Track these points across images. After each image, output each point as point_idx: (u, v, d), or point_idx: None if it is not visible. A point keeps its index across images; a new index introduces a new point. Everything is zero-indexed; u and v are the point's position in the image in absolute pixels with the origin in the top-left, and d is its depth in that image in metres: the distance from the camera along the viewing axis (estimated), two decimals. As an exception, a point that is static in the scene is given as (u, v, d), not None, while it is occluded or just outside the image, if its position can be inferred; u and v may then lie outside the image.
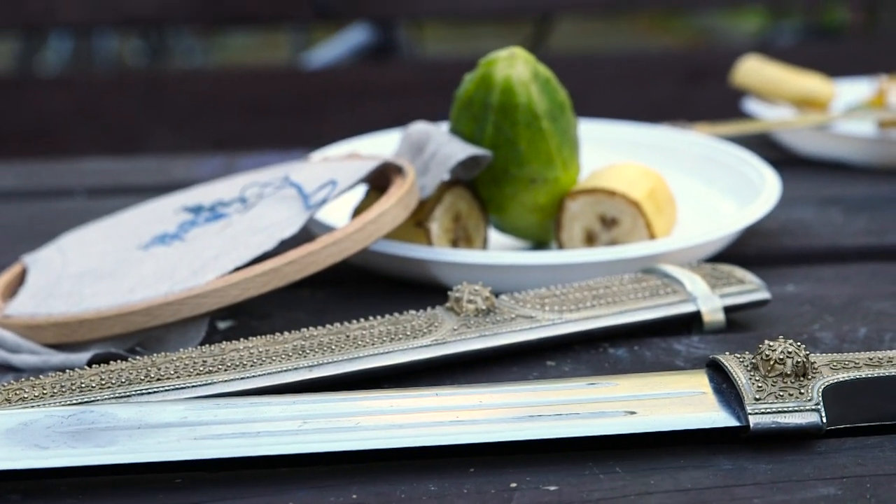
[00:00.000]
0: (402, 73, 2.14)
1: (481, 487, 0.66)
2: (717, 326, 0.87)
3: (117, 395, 0.73)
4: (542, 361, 0.82)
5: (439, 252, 0.94)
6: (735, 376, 0.71)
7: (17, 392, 0.72)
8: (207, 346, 0.79)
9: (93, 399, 0.72)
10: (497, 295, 0.86)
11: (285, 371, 0.76)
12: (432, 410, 0.70)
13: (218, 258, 0.87)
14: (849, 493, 0.65)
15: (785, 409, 0.70)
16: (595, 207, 0.99)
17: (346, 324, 0.81)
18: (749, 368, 0.72)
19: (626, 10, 2.28)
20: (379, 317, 0.82)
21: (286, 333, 0.80)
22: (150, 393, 0.73)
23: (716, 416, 0.70)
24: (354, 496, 0.65)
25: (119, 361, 0.77)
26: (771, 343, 0.72)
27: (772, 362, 0.71)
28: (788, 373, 0.71)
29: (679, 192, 1.08)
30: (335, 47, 3.21)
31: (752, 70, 1.42)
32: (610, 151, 1.18)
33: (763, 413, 0.69)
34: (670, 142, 1.22)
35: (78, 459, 0.65)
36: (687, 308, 0.86)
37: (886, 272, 1.00)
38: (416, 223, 0.97)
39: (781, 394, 0.70)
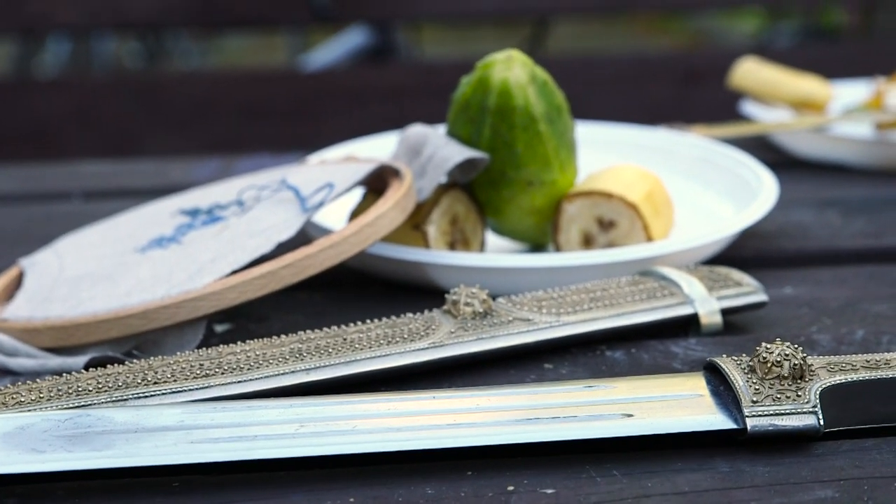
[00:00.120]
0: (399, 75, 2.14)
1: (478, 491, 0.66)
2: (714, 329, 0.87)
3: (114, 398, 0.73)
4: (539, 364, 0.82)
5: (436, 255, 0.94)
6: (732, 379, 0.71)
7: (14, 396, 0.72)
8: (204, 349, 0.79)
9: (90, 403, 0.72)
10: (494, 298, 0.86)
11: (282, 374, 0.76)
12: (429, 414, 0.70)
13: (215, 261, 0.87)
14: (846, 496, 0.65)
15: (782, 412, 0.69)
16: (592, 210, 0.99)
17: (343, 327, 0.81)
18: (746, 371, 0.72)
19: (623, 11, 2.27)
20: (376, 320, 0.82)
21: (283, 337, 0.80)
22: (147, 396, 0.73)
23: (713, 419, 0.70)
24: (351, 500, 0.65)
25: (116, 365, 0.77)
26: (768, 345, 0.72)
27: (769, 365, 0.71)
28: (786, 375, 0.71)
29: (676, 194, 1.08)
30: (333, 49, 3.21)
31: (750, 72, 1.42)
32: (607, 153, 1.18)
33: (760, 416, 0.69)
34: (667, 144, 1.22)
35: (75, 463, 0.65)
36: (684, 310, 0.86)
37: (884, 274, 1.00)
38: (414, 226, 0.97)
39: (779, 396, 0.70)
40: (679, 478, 0.67)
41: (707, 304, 0.87)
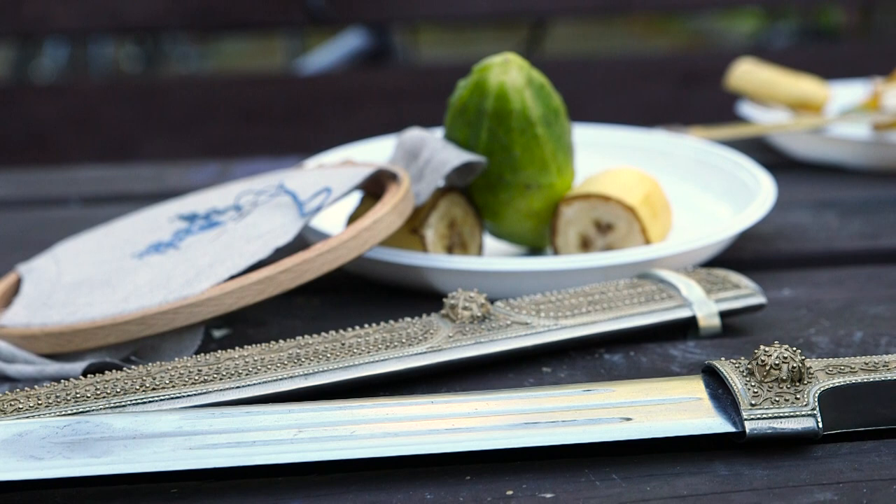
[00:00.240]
0: (396, 78, 2.14)
1: (478, 495, 0.66)
2: (712, 331, 0.87)
3: (112, 404, 0.73)
4: (537, 368, 0.82)
5: (434, 259, 0.94)
6: (731, 382, 0.71)
7: (13, 402, 0.72)
8: (203, 354, 0.79)
9: (88, 409, 0.72)
10: (492, 301, 0.85)
11: (281, 380, 0.76)
12: (428, 418, 0.70)
13: (213, 266, 0.87)
14: (845, 499, 0.65)
15: (781, 415, 0.69)
16: (590, 213, 0.99)
17: (341, 332, 0.81)
18: (745, 374, 0.72)
19: (621, 13, 2.27)
20: (374, 324, 0.82)
21: (281, 342, 0.80)
22: (145, 402, 0.73)
23: (712, 422, 0.70)
24: (350, 505, 0.66)
25: (114, 371, 0.77)
26: (766, 348, 0.72)
27: (767, 367, 0.71)
28: (784, 378, 0.71)
29: (674, 196, 1.08)
30: (330, 52, 3.21)
31: (747, 73, 1.42)
32: (605, 156, 1.18)
33: (759, 418, 0.69)
34: (665, 146, 1.22)
35: (73, 470, 0.65)
36: (683, 313, 0.86)
37: (882, 275, 1.00)
38: (412, 230, 0.97)
39: (777, 399, 0.70)
40: (678, 481, 0.67)
41: (705, 307, 0.87)
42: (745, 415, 0.69)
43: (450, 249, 0.98)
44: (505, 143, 0.97)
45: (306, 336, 0.80)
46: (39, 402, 0.73)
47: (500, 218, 1.01)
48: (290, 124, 2.04)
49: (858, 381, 0.71)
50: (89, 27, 2.05)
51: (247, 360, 0.77)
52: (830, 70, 1.76)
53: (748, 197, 1.08)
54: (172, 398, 0.74)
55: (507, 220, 1.01)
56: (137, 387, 0.74)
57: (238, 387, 0.75)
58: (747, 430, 0.69)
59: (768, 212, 1.04)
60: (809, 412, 0.70)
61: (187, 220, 0.98)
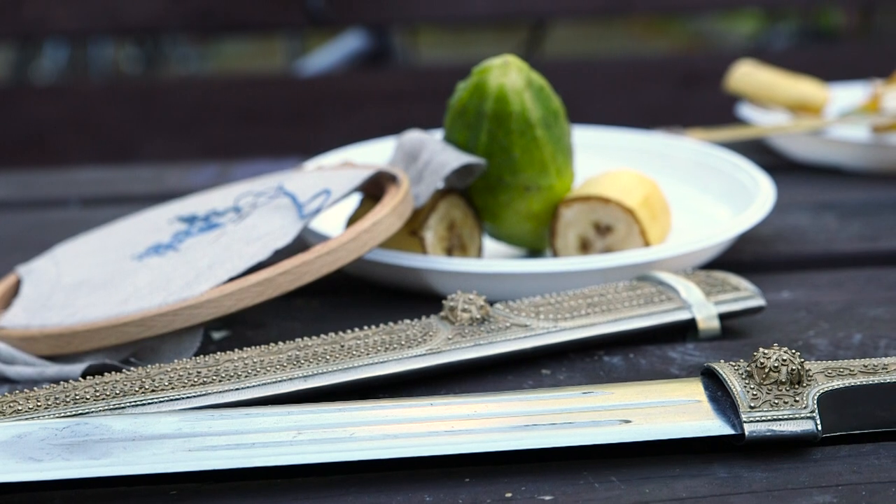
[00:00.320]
0: (396, 80, 2.14)
1: (476, 497, 0.66)
2: (712, 334, 0.87)
3: (112, 406, 0.73)
4: (536, 370, 0.82)
5: (434, 261, 0.94)
6: (730, 384, 0.71)
7: (12, 404, 0.72)
8: (202, 356, 0.79)
9: (87, 411, 0.72)
10: (492, 303, 0.85)
11: (280, 381, 0.76)
12: (427, 420, 0.70)
13: (212, 268, 0.87)
14: (844, 501, 0.65)
15: (780, 417, 0.69)
16: (589, 215, 0.99)
17: (340, 333, 0.81)
18: (744, 376, 0.72)
19: (620, 14, 2.27)
20: (373, 326, 0.82)
21: (280, 344, 0.80)
22: (144, 404, 0.73)
23: (711, 425, 0.70)
24: (349, 507, 0.66)
25: (113, 373, 0.77)
26: (765, 351, 0.72)
27: (766, 370, 0.71)
28: (783, 380, 0.71)
29: (673, 198, 1.08)
30: (330, 54, 3.21)
31: (746, 75, 1.42)
32: (604, 158, 1.18)
33: (758, 421, 0.69)
34: (664, 148, 1.22)
35: (72, 472, 0.65)
36: (682, 315, 0.86)
37: (881, 278, 1.00)
38: (411, 232, 0.97)
39: (776, 401, 0.70)
40: (677, 484, 0.67)
41: (705, 309, 0.87)
42: (744, 417, 0.69)
43: (449, 251, 0.98)
44: (504, 145, 0.97)
45: (305, 338, 0.80)
46: (39, 403, 0.73)
47: (500, 220, 1.01)
48: (289, 126, 2.05)
49: (857, 384, 0.71)
50: (89, 28, 2.05)
51: (246, 361, 0.77)
52: (830, 72, 1.76)
53: (747, 199, 1.08)
54: (172, 400, 0.74)
55: (507, 222, 1.01)
56: (137, 388, 0.74)
57: (237, 388, 0.75)
58: (746, 433, 0.69)
59: (768, 214, 1.04)
60: (808, 415, 0.70)
61: (187, 222, 0.98)
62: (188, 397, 0.74)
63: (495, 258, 1.03)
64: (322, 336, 0.81)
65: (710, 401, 0.72)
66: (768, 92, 1.40)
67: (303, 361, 0.78)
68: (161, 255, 0.93)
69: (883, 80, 1.43)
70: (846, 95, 1.45)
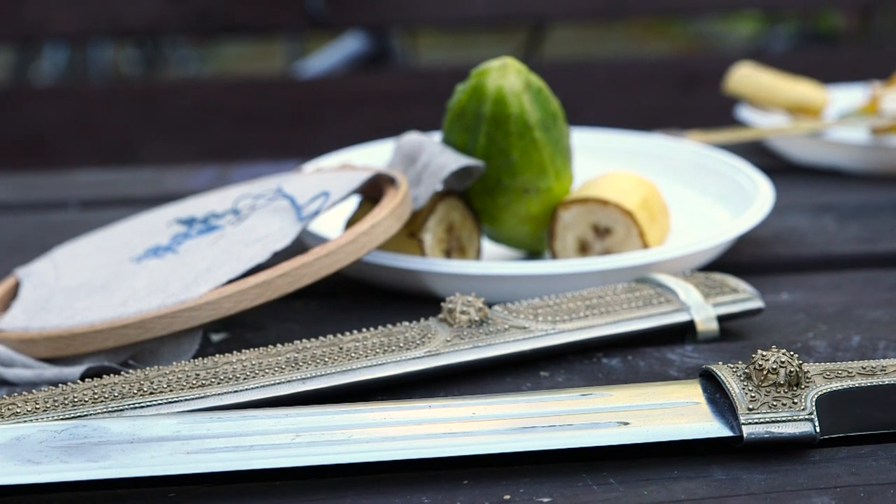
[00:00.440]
0: (395, 82, 2.14)
1: (475, 499, 0.66)
2: (710, 336, 0.87)
3: (110, 409, 0.73)
4: (535, 372, 0.82)
5: (432, 263, 0.94)
6: (728, 386, 0.71)
7: (10, 407, 0.72)
8: (201, 359, 0.79)
9: (86, 413, 0.72)
10: (490, 305, 0.86)
11: (278, 384, 0.76)
12: (425, 423, 0.70)
13: (211, 270, 0.87)
14: (842, 503, 0.65)
15: (778, 419, 0.70)
16: (588, 217, 0.99)
17: (339, 336, 0.81)
18: (742, 378, 0.72)
19: (619, 16, 2.27)
20: (372, 328, 0.82)
21: (279, 346, 0.80)
22: (143, 407, 0.73)
23: (709, 427, 0.70)
24: (348, 509, 0.66)
25: (112, 375, 0.77)
26: (764, 352, 0.72)
27: (765, 372, 0.71)
28: (781, 382, 0.71)
29: (672, 200, 1.09)
30: (330, 56, 3.21)
31: (745, 77, 1.42)
32: (603, 160, 1.18)
33: (756, 423, 0.69)
34: (663, 150, 1.22)
35: (71, 474, 0.65)
36: (680, 317, 0.86)
37: (880, 280, 1.00)
38: (410, 234, 0.97)
39: (775, 403, 0.70)
40: (675, 486, 0.67)
41: (703, 311, 0.87)
42: (742, 419, 0.69)
43: (448, 253, 0.98)
44: (503, 147, 0.98)
45: (304, 340, 0.81)
46: (37, 406, 0.73)
47: (498, 222, 1.01)
48: (289, 128, 2.05)
49: (856, 386, 0.71)
50: (89, 30, 2.05)
51: (245, 364, 0.77)
52: (829, 74, 1.76)
53: (746, 201, 1.08)
54: (170, 402, 0.74)
55: (506, 224, 1.01)
56: (135, 391, 0.74)
57: (236, 391, 0.75)
58: (745, 435, 0.69)
59: (766, 216, 1.04)
60: (807, 416, 0.70)
61: (186, 225, 0.98)
62: (187, 399, 0.74)
63: (494, 260, 1.03)
64: (321, 338, 0.81)
65: (708, 403, 0.72)
66: (767, 94, 1.40)
67: (301, 364, 0.78)
68: (160, 257, 0.93)
69: (882, 82, 1.43)
70: (845, 97, 1.45)
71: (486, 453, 0.68)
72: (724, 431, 0.70)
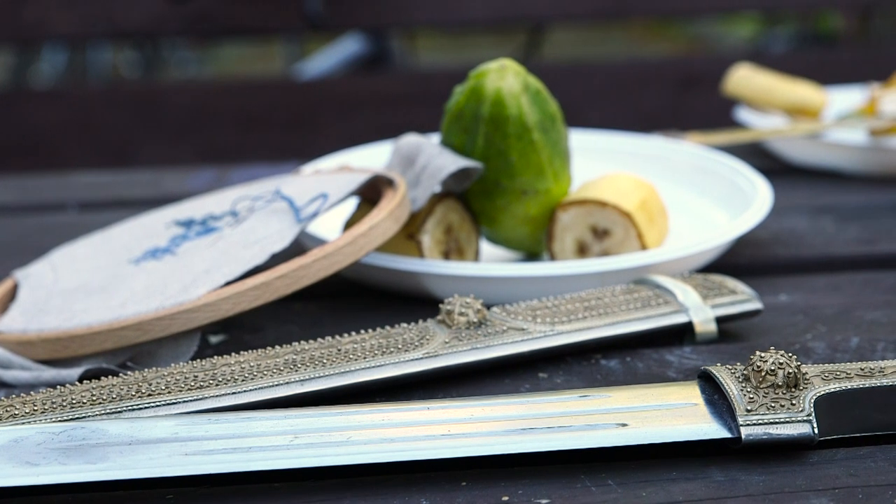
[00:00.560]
0: (394, 84, 2.14)
1: (473, 501, 0.66)
2: (709, 337, 0.87)
3: (108, 410, 0.73)
4: (533, 374, 0.82)
5: (431, 264, 0.94)
6: (727, 388, 0.71)
7: (8, 409, 0.72)
8: (199, 360, 0.79)
9: (84, 415, 0.72)
10: (489, 307, 0.86)
11: (277, 385, 0.76)
12: (424, 424, 0.70)
13: (209, 272, 0.87)
14: (841, 504, 0.65)
15: (777, 421, 0.69)
16: (587, 218, 0.99)
17: (337, 337, 0.81)
18: (741, 380, 0.72)
19: (618, 18, 2.28)
20: (370, 330, 0.82)
21: (278, 347, 0.80)
22: (141, 408, 0.73)
23: (707, 428, 0.70)
24: (346, 511, 0.66)
25: (110, 377, 0.77)
26: (762, 354, 0.72)
27: (763, 373, 0.71)
28: (780, 384, 0.71)
29: (671, 202, 1.09)
30: (329, 58, 3.21)
31: (744, 79, 1.42)
32: (601, 162, 1.18)
33: (755, 424, 0.69)
34: (662, 152, 1.22)
35: (69, 476, 0.65)
36: (679, 319, 0.86)
37: (879, 281, 1.00)
38: (408, 235, 0.97)
39: (773, 405, 0.70)
40: (674, 487, 0.67)
41: (702, 313, 0.87)
42: (740, 420, 0.69)
43: (446, 255, 0.98)
44: (501, 149, 0.98)
45: (302, 342, 0.80)
46: (35, 408, 0.73)
47: (497, 223, 1.01)
48: (287, 130, 2.05)
49: (854, 387, 0.71)
50: (88, 32, 2.05)
51: (243, 365, 0.77)
52: (828, 75, 1.76)
53: (745, 202, 1.08)
54: (168, 404, 0.74)
55: (504, 226, 1.01)
56: (133, 393, 0.74)
57: (234, 393, 0.75)
58: (743, 436, 0.69)
59: (765, 217, 1.04)
60: (805, 418, 0.70)
61: (184, 226, 0.98)
62: (185, 401, 0.74)
63: (492, 262, 1.03)
64: (319, 340, 0.81)
65: (706, 404, 0.72)
66: (766, 95, 1.40)
67: (300, 365, 0.78)
68: (158, 259, 0.93)
69: (880, 84, 1.43)
70: (844, 99, 1.45)
71: (485, 455, 0.68)
72: (723, 433, 0.70)
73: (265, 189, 0.99)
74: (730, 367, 0.73)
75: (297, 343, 0.80)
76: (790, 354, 0.72)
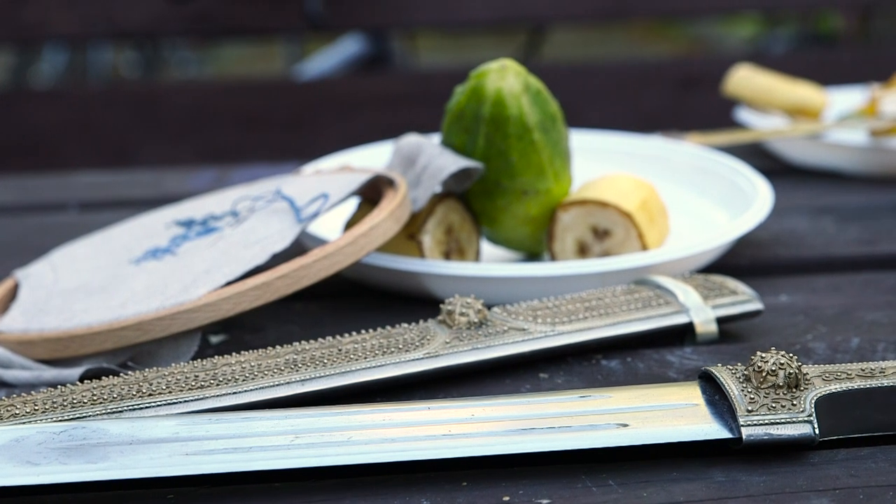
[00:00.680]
0: (394, 84, 2.14)
1: (474, 501, 0.66)
2: (709, 338, 0.87)
3: (109, 410, 0.73)
4: (534, 374, 0.82)
5: (431, 264, 0.94)
6: (727, 388, 0.71)
7: (9, 408, 0.72)
8: (199, 360, 0.79)
9: (85, 415, 0.72)
10: (489, 307, 0.85)
11: (277, 385, 0.76)
12: (424, 424, 0.70)
13: (210, 272, 0.87)
14: (841, 505, 0.65)
15: (777, 421, 0.69)
16: (587, 219, 0.99)
17: (338, 337, 0.81)
18: (741, 380, 0.72)
19: (618, 19, 2.28)
20: (371, 330, 0.82)
21: (278, 347, 0.80)
22: (142, 408, 0.73)
23: (708, 428, 0.70)
24: (347, 511, 0.66)
25: (111, 377, 0.77)
26: (763, 354, 0.72)
27: (764, 374, 0.71)
28: (781, 384, 0.71)
29: (671, 202, 1.08)
30: (329, 58, 3.21)
31: (744, 79, 1.42)
32: (602, 162, 1.18)
33: (756, 425, 0.69)
34: (662, 152, 1.22)
35: (70, 475, 0.65)
36: (680, 319, 0.86)
37: (879, 282, 1.00)
38: (409, 236, 0.97)
39: (774, 405, 0.70)
40: (675, 487, 0.67)
41: (702, 313, 0.87)
42: (741, 421, 0.69)
43: (447, 255, 0.98)
44: (502, 149, 0.98)
45: (303, 342, 0.80)
46: (36, 407, 0.73)
47: (498, 224, 1.01)
48: (288, 130, 2.05)
49: (855, 388, 0.71)
50: (88, 32, 2.05)
51: (244, 365, 0.77)
52: (828, 76, 1.76)
53: (745, 203, 1.08)
54: (169, 404, 0.74)
55: (505, 226, 1.01)
56: (134, 392, 0.74)
57: (235, 392, 0.75)
58: (744, 437, 0.69)
59: (765, 218, 1.04)
60: (806, 418, 0.70)
61: (184, 226, 0.98)
62: (186, 401, 0.74)
63: (493, 262, 1.03)
64: (320, 340, 0.81)
65: (707, 405, 0.72)
66: (767, 96, 1.40)
67: (300, 365, 0.78)
68: (159, 259, 0.93)
69: (881, 84, 1.43)
70: (844, 99, 1.45)
71: (486, 455, 0.68)
72: (724, 433, 0.70)
73: (266, 189, 0.99)
74: (731, 367, 0.73)
75: (297, 343, 0.80)
76: (791, 355, 0.72)
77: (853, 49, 3.37)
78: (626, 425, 0.70)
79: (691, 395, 0.73)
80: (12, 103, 2.08)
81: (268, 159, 1.67)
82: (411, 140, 1.02)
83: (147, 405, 0.73)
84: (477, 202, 1.00)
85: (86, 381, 0.76)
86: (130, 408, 0.73)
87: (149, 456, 0.66)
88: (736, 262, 1.04)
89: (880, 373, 0.72)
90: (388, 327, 0.83)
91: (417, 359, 0.80)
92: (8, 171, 1.69)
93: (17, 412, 0.72)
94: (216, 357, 0.79)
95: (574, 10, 2.17)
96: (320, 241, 0.97)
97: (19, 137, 2.03)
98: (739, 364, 0.73)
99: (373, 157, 1.17)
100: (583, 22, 3.40)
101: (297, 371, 0.77)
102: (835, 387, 0.71)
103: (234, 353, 0.79)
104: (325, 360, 0.78)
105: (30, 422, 0.71)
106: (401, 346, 0.80)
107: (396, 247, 0.96)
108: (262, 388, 0.76)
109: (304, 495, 0.67)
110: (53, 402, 0.73)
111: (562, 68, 2.28)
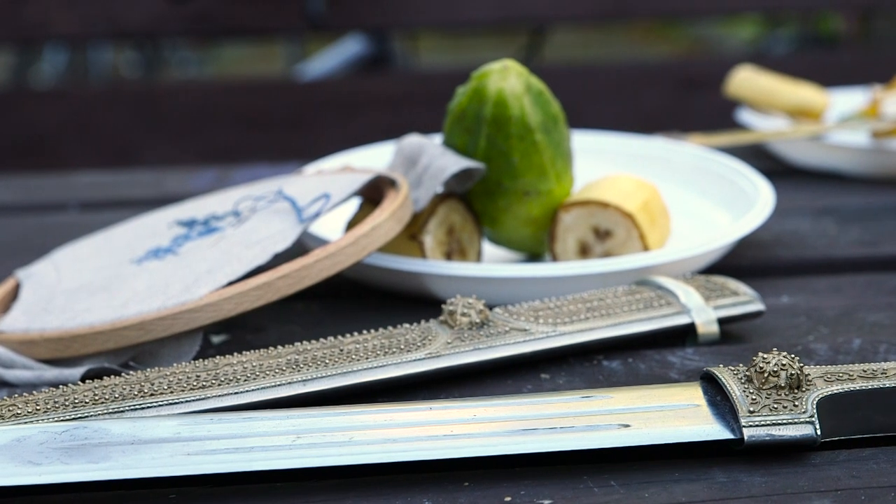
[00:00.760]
0: (395, 85, 2.14)
1: (476, 501, 0.66)
2: (711, 338, 0.87)
3: (111, 410, 0.73)
4: (536, 374, 0.82)
5: (433, 265, 0.94)
6: (729, 389, 0.71)
7: (11, 408, 0.72)
8: (201, 360, 0.79)
9: (86, 414, 0.72)
10: (491, 308, 0.85)
11: (279, 385, 0.76)
12: (426, 424, 0.70)
13: (211, 272, 0.87)
14: (843, 506, 0.65)
15: (779, 422, 0.69)
16: (589, 219, 0.99)
17: (339, 337, 0.81)
18: (743, 381, 0.71)
19: (619, 19, 2.28)
20: (373, 330, 0.82)
21: (280, 347, 0.80)
22: (143, 408, 0.73)
23: (710, 429, 0.70)
24: (348, 511, 0.66)
25: (113, 377, 0.77)
26: (765, 355, 0.72)
27: (766, 374, 0.71)
28: (782, 385, 0.71)
29: (673, 203, 1.08)
30: (330, 58, 3.21)
31: (746, 81, 1.42)
32: (604, 163, 1.18)
33: (757, 425, 0.69)
34: (664, 153, 1.22)
35: (71, 475, 0.65)
36: (681, 320, 0.86)
37: (881, 283, 1.00)
38: (410, 236, 0.97)
39: (776, 406, 0.70)
40: (676, 488, 0.67)
41: (704, 314, 0.87)
42: (743, 422, 0.69)
43: (448, 256, 0.98)
44: (503, 150, 0.98)
45: (305, 342, 0.80)
46: (38, 407, 0.73)
47: (499, 224, 1.01)
48: (289, 130, 2.05)
49: (857, 389, 0.71)
50: (89, 32, 2.05)
51: (245, 365, 0.77)
52: (830, 77, 1.76)
53: (747, 204, 1.08)
54: (171, 404, 0.74)
55: (506, 227, 1.01)
56: (136, 392, 0.74)
57: (236, 392, 0.75)
58: (745, 437, 0.69)
59: (767, 219, 1.04)
60: (808, 419, 0.70)
61: (186, 226, 0.98)
62: (187, 401, 0.74)
63: (494, 262, 1.03)
64: (321, 340, 0.81)
65: (709, 405, 0.72)
66: (768, 97, 1.40)
67: (302, 365, 0.78)
68: (160, 259, 0.93)
69: (882, 86, 1.43)
70: (846, 101, 1.45)
71: (487, 455, 0.68)
72: (725, 434, 0.70)
73: (267, 189, 0.99)
74: (732, 368, 0.73)
75: (299, 343, 0.80)
76: (792, 356, 0.72)
77: (854, 50, 3.38)
78: (627, 426, 0.70)
79: (693, 395, 0.73)
80: (13, 103, 2.08)
81: (269, 160, 1.67)
82: (413, 140, 1.02)
83: (149, 405, 0.73)
84: (478, 203, 1.00)
85: (87, 381, 0.76)
86: (132, 408, 0.73)
87: (150, 456, 0.66)
88: (737, 262, 1.04)
89: (882, 374, 0.72)
90: (390, 327, 0.83)
91: (419, 359, 0.80)
92: (8, 171, 1.69)
93: (19, 412, 0.72)
94: (218, 357, 0.79)
95: (575, 10, 2.17)
96: (322, 242, 0.97)
97: (20, 137, 2.03)
98: (741, 365, 0.73)
99: (374, 158, 1.18)
100: (583, 22, 3.40)
101: (299, 371, 0.77)
102: (836, 388, 0.71)
103: (235, 353, 0.79)
104: (327, 361, 0.78)
105: (31, 422, 0.71)
106: (402, 347, 0.80)
107: (398, 247, 0.96)
108: (264, 388, 0.76)
109: (306, 495, 0.67)
110: (55, 402, 0.73)
111: (563, 69, 2.28)
